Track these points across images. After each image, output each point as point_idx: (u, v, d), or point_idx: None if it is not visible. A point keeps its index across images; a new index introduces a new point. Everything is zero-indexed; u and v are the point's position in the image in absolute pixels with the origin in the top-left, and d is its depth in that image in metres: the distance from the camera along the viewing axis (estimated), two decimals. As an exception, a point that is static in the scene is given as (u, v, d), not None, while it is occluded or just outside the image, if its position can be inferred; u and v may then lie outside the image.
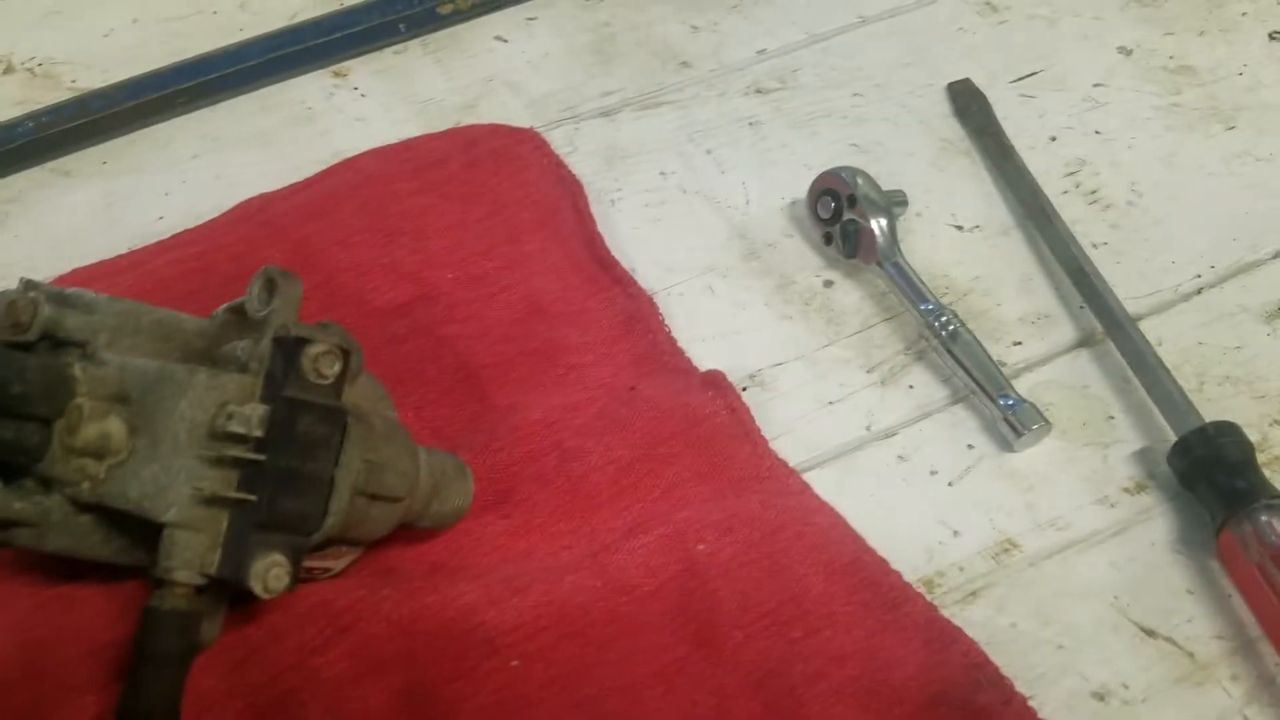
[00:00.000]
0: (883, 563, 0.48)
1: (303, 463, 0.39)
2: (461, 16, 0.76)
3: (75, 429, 0.38)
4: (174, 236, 0.61)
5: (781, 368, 0.57)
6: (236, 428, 0.37)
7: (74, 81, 0.71)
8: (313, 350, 0.39)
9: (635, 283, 0.60)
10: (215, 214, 0.63)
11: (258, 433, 0.38)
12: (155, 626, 0.37)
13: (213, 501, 0.38)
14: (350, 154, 0.66)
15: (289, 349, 0.39)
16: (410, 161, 0.66)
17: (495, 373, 0.55)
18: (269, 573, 0.38)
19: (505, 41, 0.75)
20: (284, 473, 0.38)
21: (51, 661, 0.44)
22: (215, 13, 0.76)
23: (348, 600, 0.44)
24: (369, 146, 0.67)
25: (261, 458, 0.38)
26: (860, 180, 0.60)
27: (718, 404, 0.52)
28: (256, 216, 0.62)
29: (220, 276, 0.59)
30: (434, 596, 0.44)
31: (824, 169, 0.63)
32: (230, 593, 0.41)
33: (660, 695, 0.43)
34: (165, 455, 0.38)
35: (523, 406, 0.53)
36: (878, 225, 0.59)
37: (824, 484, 0.51)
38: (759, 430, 0.53)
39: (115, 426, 0.38)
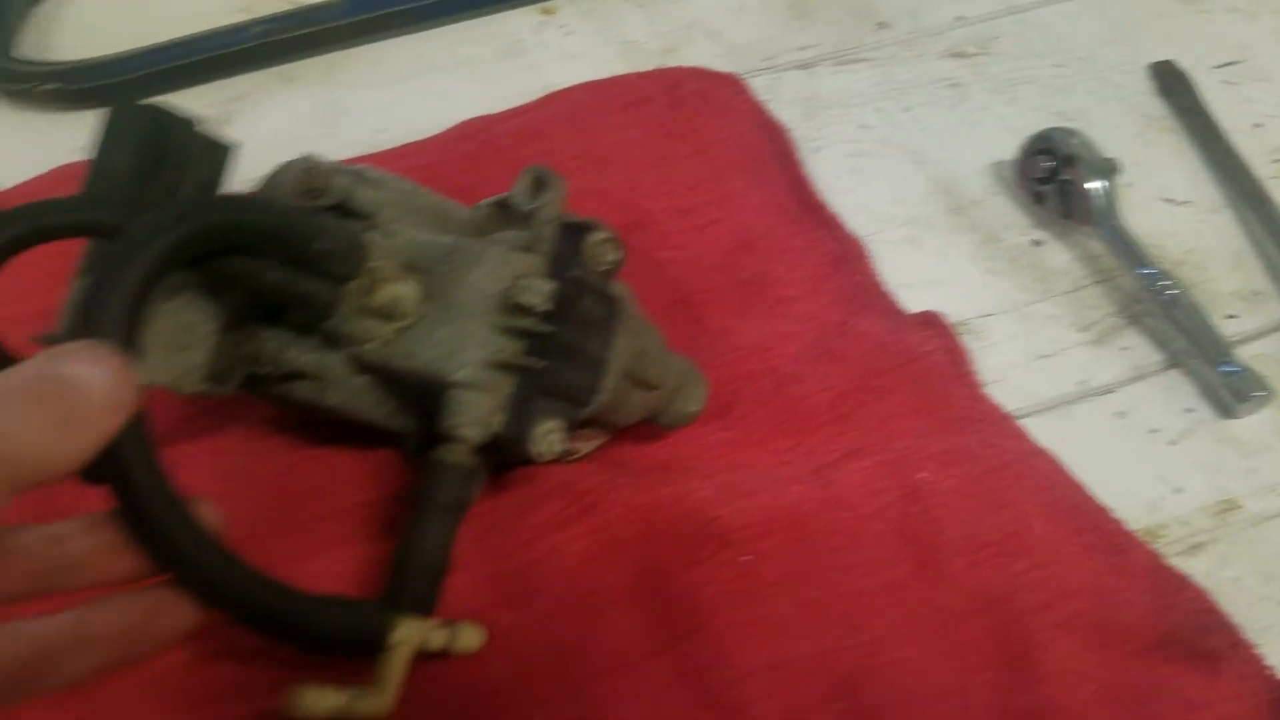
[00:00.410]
0: (1103, 509, 0.48)
1: (582, 340, 0.40)
2: (667, -37, 0.77)
3: (372, 289, 0.40)
4: (401, 147, 0.63)
5: (991, 319, 0.57)
6: (528, 300, 0.39)
7: (297, -5, 0.74)
8: (596, 236, 0.41)
9: (842, 226, 0.61)
10: (433, 131, 0.65)
11: (546, 307, 0.39)
12: (441, 477, 0.39)
13: (501, 366, 0.39)
14: (557, 87, 0.68)
15: (574, 233, 0.41)
16: (618, 97, 0.67)
17: (707, 298, 0.56)
18: (548, 436, 0.39)
19: (706, -9, 0.77)
20: (566, 346, 0.40)
21: (306, 516, 0.46)
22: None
23: (590, 483, 0.45)
24: (575, 81, 0.68)
25: (549, 329, 0.39)
26: (1079, 142, 0.60)
27: (934, 344, 0.53)
28: (478, 136, 0.64)
29: (444, 187, 0.60)
30: (669, 489, 0.46)
31: (1027, 132, 0.64)
32: (495, 459, 0.42)
33: (885, 606, 0.44)
34: (457, 320, 0.40)
35: (737, 331, 0.54)
36: (1097, 187, 0.59)
37: (1038, 433, 0.51)
38: (974, 373, 0.53)
39: (409, 291, 0.40)
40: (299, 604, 0.36)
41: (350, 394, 0.42)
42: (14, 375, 0.27)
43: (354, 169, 0.43)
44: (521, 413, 0.39)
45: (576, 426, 0.42)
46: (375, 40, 0.71)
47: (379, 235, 0.41)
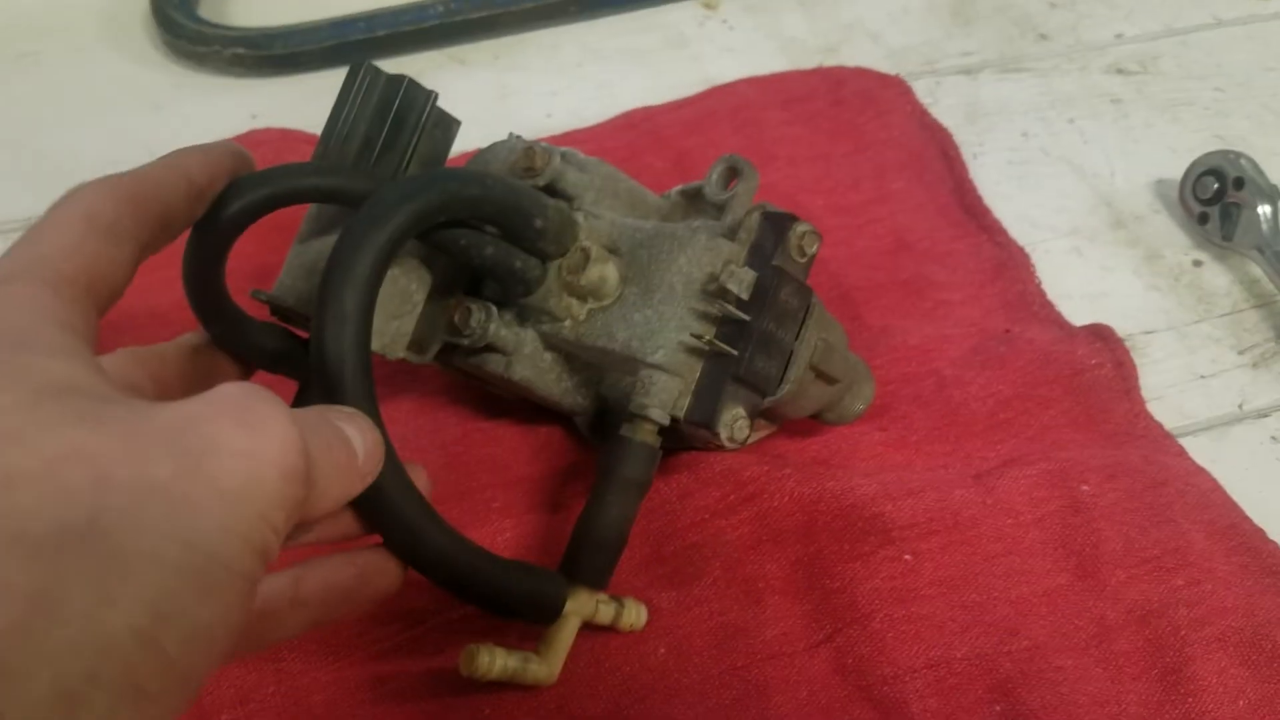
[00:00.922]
0: (1260, 531, 0.48)
1: (775, 329, 0.41)
2: (829, -36, 0.78)
3: (579, 269, 0.41)
4: (565, 133, 0.65)
5: (1151, 336, 0.57)
6: (732, 286, 0.40)
7: (468, -23, 0.76)
8: (800, 228, 0.42)
9: (1005, 232, 0.61)
10: (598, 119, 0.66)
11: (745, 295, 0.40)
12: (628, 454, 0.40)
13: (695, 351, 0.40)
14: (719, 81, 0.69)
15: (779, 224, 0.42)
16: (782, 93, 0.68)
17: (867, 295, 0.57)
18: (735, 423, 0.40)
19: (866, -8, 0.77)
20: (762, 334, 0.41)
21: (474, 484, 0.48)
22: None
23: (752, 472, 0.46)
24: (735, 76, 0.70)
25: (747, 317, 0.40)
26: (1248, 164, 0.60)
27: (1104, 356, 0.53)
28: (641, 126, 0.65)
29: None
30: (832, 483, 0.46)
31: (1189, 153, 0.63)
32: (666, 444, 0.43)
33: (1044, 614, 0.44)
34: (659, 303, 0.41)
35: (898, 330, 0.55)
36: (1264, 211, 0.58)
37: (1194, 453, 0.51)
38: (1140, 390, 0.53)
39: (612, 272, 0.42)
40: (488, 566, 0.37)
41: (536, 370, 0.44)
42: (310, 410, 0.28)
43: (564, 151, 0.45)
44: (710, 398, 0.40)
45: (756, 415, 0.43)
46: (545, 27, 0.72)
47: (583, 215, 0.43)
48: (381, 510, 0.34)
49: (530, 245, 0.41)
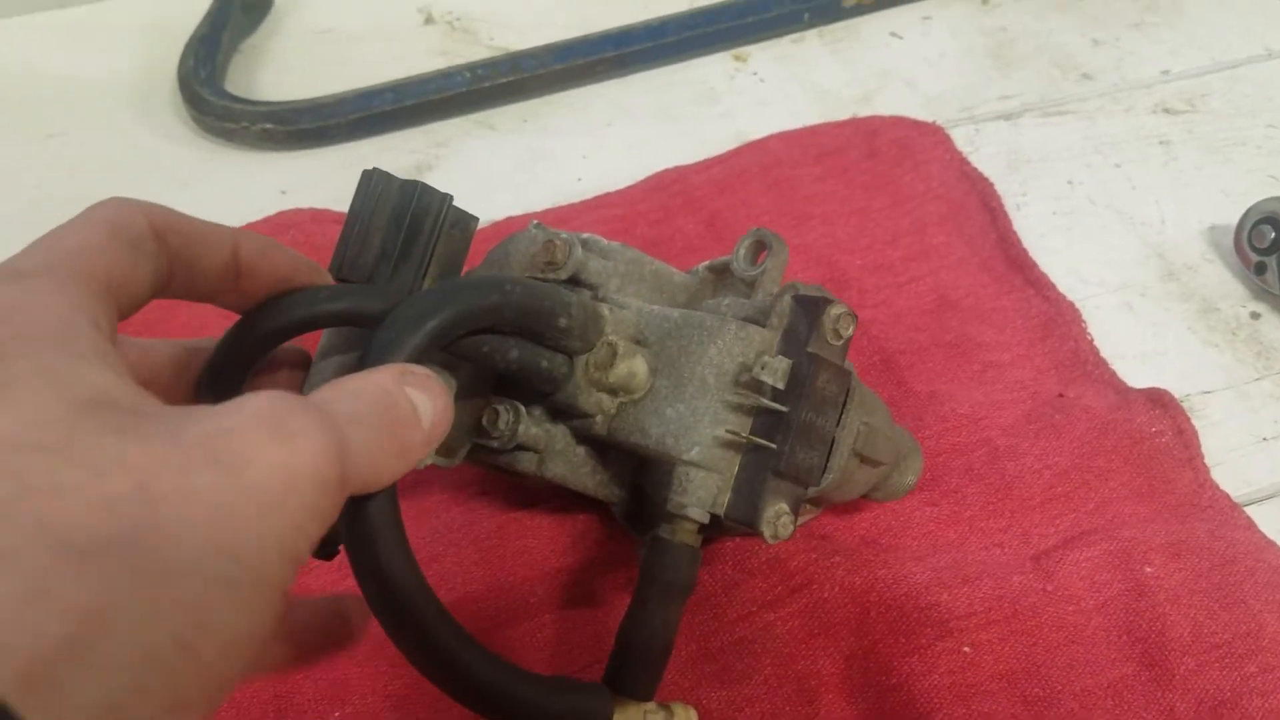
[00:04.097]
0: (1339, 610, 0.46)
1: (814, 417, 0.40)
2: (861, 10, 0.76)
3: (608, 365, 0.39)
4: (595, 198, 0.64)
5: (1210, 396, 0.55)
6: (766, 377, 0.38)
7: (491, 39, 0.76)
8: (835, 310, 0.40)
9: (1053, 286, 0.59)
10: (628, 180, 0.65)
11: (781, 384, 0.38)
12: (667, 557, 0.39)
13: (732, 445, 0.39)
14: (752, 136, 0.68)
15: (812, 308, 0.40)
16: (814, 147, 0.67)
17: (911, 359, 0.55)
18: (779, 519, 0.39)
19: (900, 38, 0.76)
20: (801, 425, 0.39)
21: (512, 579, 0.47)
22: (619, -13, 0.79)
23: (800, 561, 0.45)
24: (769, 130, 0.68)
25: (784, 409, 0.39)
26: (1308, 213, 0.57)
27: (1164, 424, 0.51)
28: (672, 187, 0.64)
29: (639, 240, 0.61)
30: (884, 571, 0.45)
31: (1242, 196, 0.61)
32: (706, 533, 0.42)
33: (1110, 707, 0.43)
34: (691, 397, 0.39)
35: (945, 397, 0.53)
36: (1326, 261, 0.56)
37: (1259, 522, 0.49)
38: (1204, 457, 0.51)
39: (642, 366, 0.40)
40: (527, 689, 0.35)
41: (569, 465, 0.43)
42: (368, 391, 0.27)
43: (584, 238, 0.44)
44: (750, 493, 0.39)
45: (801, 504, 0.42)
46: (572, 88, 0.71)
47: (607, 308, 0.42)
48: (410, 635, 0.33)
49: (555, 343, 0.40)
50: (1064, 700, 0.43)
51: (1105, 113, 0.70)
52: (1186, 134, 0.69)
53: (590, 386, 0.40)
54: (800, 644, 0.44)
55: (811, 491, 0.41)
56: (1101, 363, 0.55)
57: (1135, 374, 0.55)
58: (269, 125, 0.66)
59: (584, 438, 0.42)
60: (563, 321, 0.39)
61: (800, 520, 0.46)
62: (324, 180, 0.66)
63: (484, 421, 0.41)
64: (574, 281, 0.42)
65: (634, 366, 0.40)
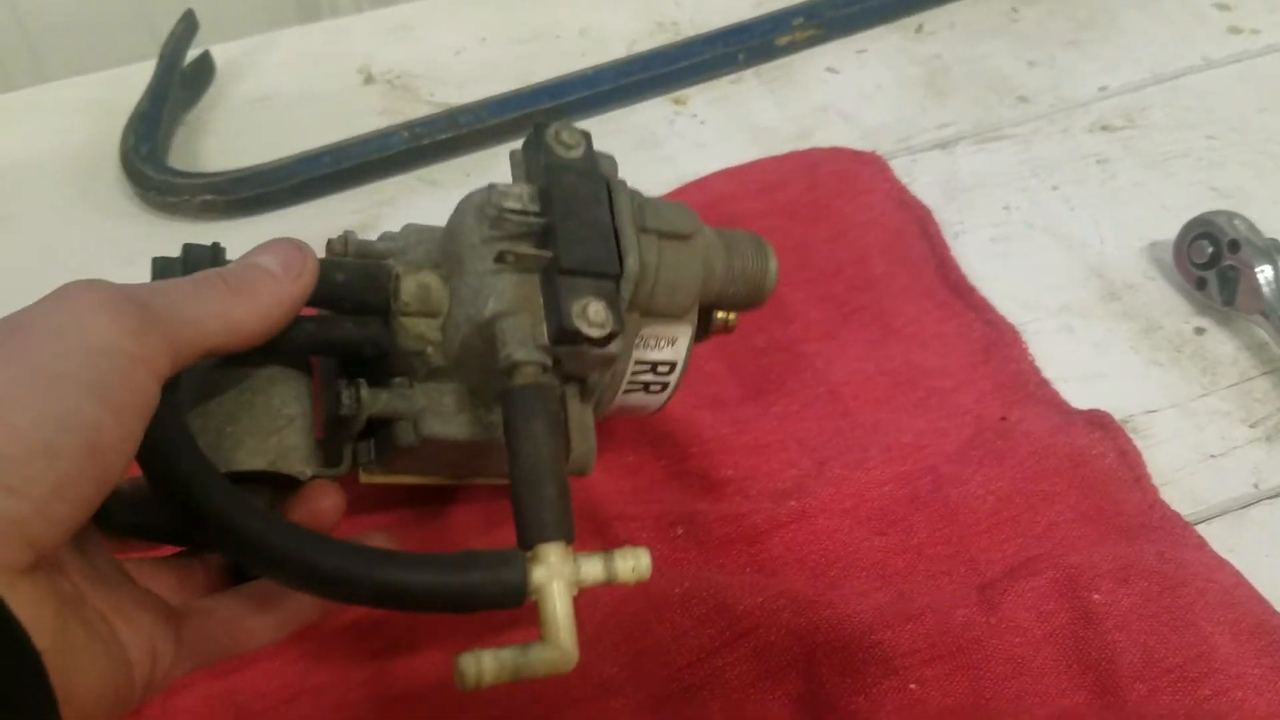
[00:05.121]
0: (1290, 626, 0.45)
1: (579, 214, 0.40)
2: (795, 47, 0.77)
3: (398, 291, 0.40)
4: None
5: (1155, 415, 0.55)
6: (512, 204, 0.39)
7: (431, 95, 0.76)
8: (553, 127, 0.41)
9: (993, 309, 0.59)
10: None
11: (532, 206, 0.39)
12: (519, 399, 0.37)
13: (526, 284, 0.39)
14: (694, 177, 0.68)
15: (534, 138, 0.42)
16: (756, 181, 0.67)
17: (855, 389, 0.55)
18: (587, 309, 0.38)
19: (836, 73, 0.76)
20: (565, 226, 0.39)
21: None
22: (558, 37, 0.80)
23: (746, 605, 0.45)
24: (711, 170, 0.69)
25: (542, 221, 0.39)
26: (1243, 225, 0.58)
27: (1106, 446, 0.51)
28: (618, 229, 0.64)
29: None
30: (829, 611, 0.45)
31: (1183, 211, 0.61)
32: (592, 400, 0.42)
33: (1062, 738, 0.42)
34: (469, 265, 0.40)
35: (890, 426, 0.53)
36: (1264, 274, 0.56)
37: (1210, 540, 0.49)
38: (1149, 477, 0.51)
39: (432, 279, 0.40)
40: (428, 571, 0.34)
41: (443, 419, 0.41)
42: (212, 269, 0.35)
43: (381, 235, 0.45)
44: (554, 307, 0.38)
45: (639, 308, 0.41)
46: (513, 140, 0.72)
47: (392, 259, 0.42)
48: (262, 554, 0.33)
49: (354, 306, 0.41)
50: (1014, 733, 0.42)
51: (1042, 135, 0.70)
52: (1125, 150, 0.69)
53: (404, 324, 0.41)
54: (749, 688, 0.43)
55: (626, 283, 0.40)
56: (1044, 383, 0.55)
57: (1079, 396, 0.55)
58: (209, 196, 0.66)
59: (432, 375, 0.42)
60: (340, 276, 0.40)
61: (680, 351, 0.45)
62: (267, 247, 0.66)
63: (330, 408, 0.41)
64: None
65: (421, 279, 0.41)
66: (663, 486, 0.51)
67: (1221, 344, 0.58)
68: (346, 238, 0.44)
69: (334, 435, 0.42)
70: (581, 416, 0.43)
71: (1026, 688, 0.43)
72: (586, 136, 0.42)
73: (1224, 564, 0.48)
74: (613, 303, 0.39)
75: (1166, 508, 0.50)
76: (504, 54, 0.79)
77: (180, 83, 0.72)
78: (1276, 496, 0.51)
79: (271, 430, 0.40)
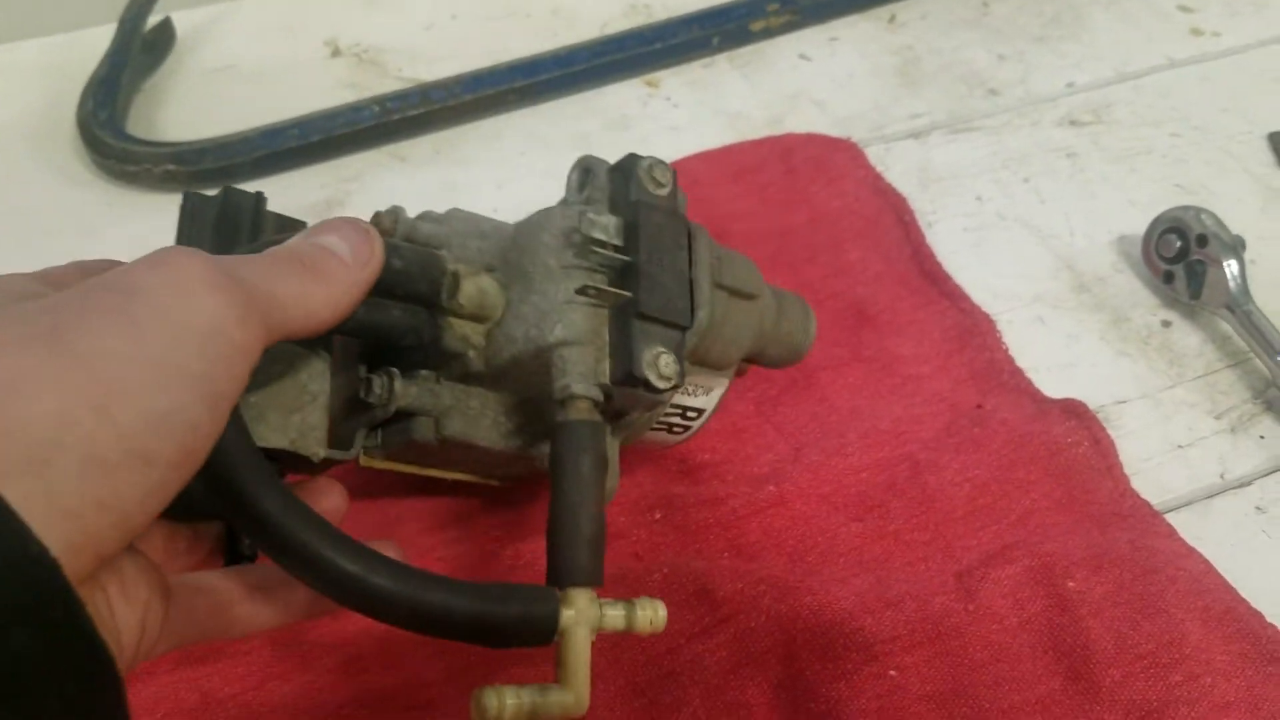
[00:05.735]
0: (1258, 614, 0.46)
1: (662, 258, 0.39)
2: (769, 33, 0.77)
3: (455, 290, 0.39)
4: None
5: (1124, 406, 0.55)
6: (597, 233, 0.38)
7: (400, 70, 0.75)
8: (646, 161, 0.41)
9: (968, 298, 0.59)
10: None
11: (617, 240, 0.39)
12: (570, 436, 0.37)
13: (596, 315, 0.39)
14: (667, 160, 0.68)
15: (624, 167, 0.41)
16: (731, 165, 0.67)
17: (831, 375, 0.55)
18: (659, 361, 0.38)
19: (809, 60, 0.76)
20: (648, 269, 0.39)
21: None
22: (529, 15, 0.79)
23: (726, 591, 0.44)
24: (683, 154, 0.68)
25: (625, 259, 0.39)
26: (1210, 220, 0.59)
27: (1080, 434, 0.51)
28: (590, 211, 0.64)
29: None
30: (810, 598, 0.44)
31: (1149, 205, 0.62)
32: (624, 431, 0.42)
33: (1039, 723, 0.43)
34: (541, 284, 0.39)
35: (867, 412, 0.53)
36: (1230, 268, 0.57)
37: (1180, 529, 0.50)
38: (1122, 466, 0.51)
39: (490, 284, 0.40)
40: (469, 598, 0.33)
41: (466, 420, 0.41)
42: (281, 246, 0.33)
43: (422, 213, 0.43)
44: (624, 349, 0.38)
45: (689, 357, 0.41)
46: (484, 117, 0.71)
47: (445, 251, 0.41)
48: (309, 563, 0.31)
49: (402, 293, 0.39)
50: (993, 717, 0.42)
51: (1012, 127, 0.71)
52: (1092, 145, 0.70)
53: (451, 322, 0.40)
54: (729, 674, 0.43)
55: (692, 337, 0.40)
56: (1018, 372, 0.56)
57: (1051, 385, 0.55)
58: (171, 166, 0.65)
59: (466, 380, 0.41)
60: (397, 263, 0.38)
61: (712, 399, 0.45)
62: (231, 220, 0.64)
63: (360, 394, 0.40)
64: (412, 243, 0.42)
65: (481, 284, 0.40)
66: (640, 469, 0.51)
67: (1188, 336, 0.59)
68: (396, 215, 0.41)
69: (349, 419, 0.40)
70: (611, 449, 0.42)
71: (1004, 674, 0.44)
72: (674, 174, 0.42)
73: (1193, 552, 0.48)
74: (679, 354, 0.39)
75: (1137, 496, 0.50)
76: (475, 31, 0.78)
77: (140, 48, 0.70)
78: (1241, 487, 0.52)
79: (295, 407, 0.38)
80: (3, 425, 0.23)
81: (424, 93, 0.68)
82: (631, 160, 0.41)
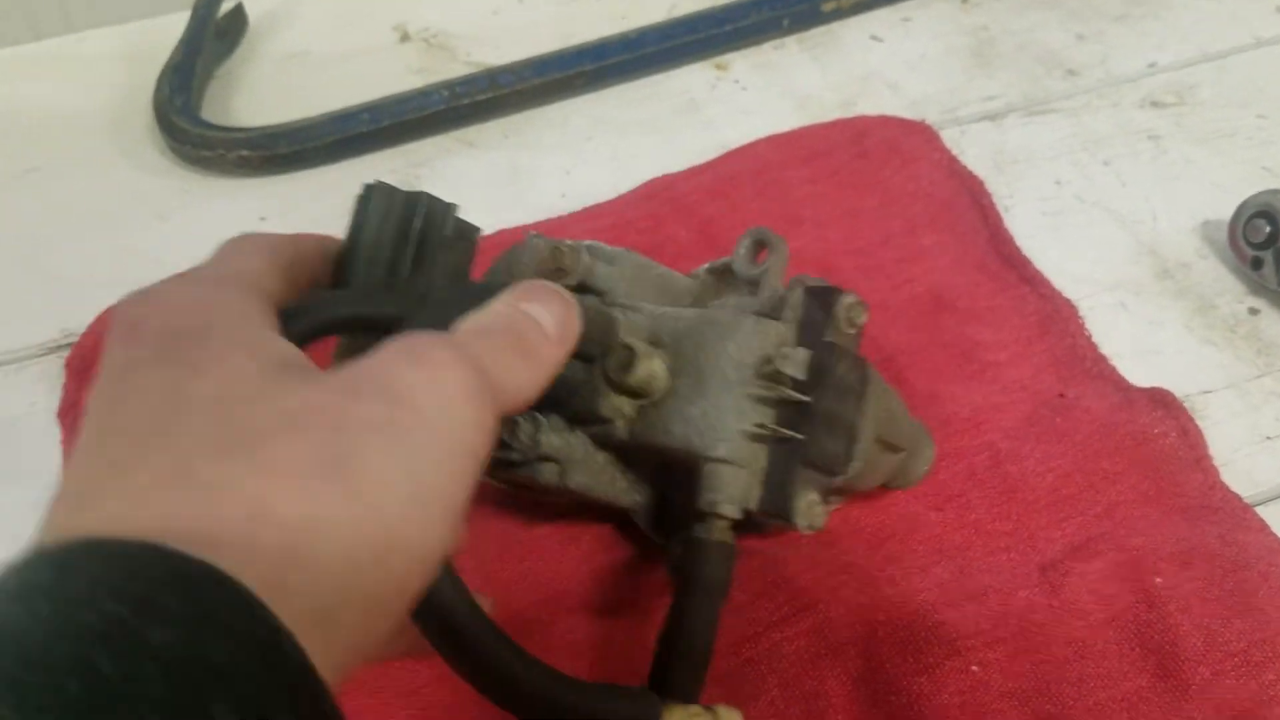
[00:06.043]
0: (1356, 611, 0.45)
1: (836, 406, 0.39)
2: (840, 14, 0.75)
3: (627, 367, 0.39)
4: (585, 209, 0.63)
5: (1210, 396, 0.54)
6: (788, 369, 0.38)
7: (469, 55, 0.75)
8: (847, 300, 0.40)
9: (1049, 283, 0.58)
10: (612, 192, 0.64)
11: (803, 375, 0.38)
12: (704, 556, 0.38)
13: (758, 439, 0.39)
14: (735, 144, 0.67)
15: (825, 298, 0.40)
16: (802, 149, 0.66)
17: (910, 360, 0.55)
18: (812, 510, 0.38)
19: (880, 41, 0.75)
20: (824, 414, 0.39)
21: (524, 604, 0.46)
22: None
23: (806, 580, 0.44)
24: (753, 138, 0.67)
25: (806, 399, 0.38)
26: (1302, 204, 0.57)
27: (1168, 425, 0.50)
28: (662, 194, 0.63)
29: (629, 246, 0.60)
30: (890, 589, 0.44)
31: (1235, 189, 0.60)
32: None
33: (1126, 720, 0.42)
34: (713, 394, 0.39)
35: (946, 398, 0.52)
36: (1323, 254, 0.55)
37: (1271, 523, 0.48)
38: (1211, 458, 0.50)
39: (660, 367, 0.39)
40: (575, 694, 0.34)
41: (591, 474, 0.42)
42: (486, 317, 0.31)
43: (588, 245, 0.43)
44: (779, 485, 0.38)
45: (829, 495, 0.41)
46: (556, 101, 0.70)
47: (619, 311, 0.41)
48: (453, 642, 0.32)
49: (577, 353, 0.39)
50: (1077, 716, 0.42)
51: (1091, 109, 0.69)
52: (1175, 127, 0.68)
53: (609, 391, 0.40)
54: (807, 665, 0.43)
55: (839, 480, 0.40)
56: (1101, 359, 0.54)
57: (1133, 374, 0.54)
58: (245, 152, 0.65)
59: (604, 444, 0.42)
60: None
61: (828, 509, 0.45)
62: (301, 205, 0.65)
63: (503, 435, 0.40)
64: (582, 288, 0.42)
65: (653, 368, 0.39)
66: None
67: (1276, 324, 0.57)
68: (578, 254, 0.41)
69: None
70: None
71: (1089, 671, 0.43)
72: (868, 315, 0.41)
73: (1285, 546, 0.47)
74: (826, 497, 0.39)
75: (1227, 489, 0.49)
76: (542, 15, 0.77)
77: (214, 35, 0.71)
78: (1334, 481, 0.51)
79: None
80: (296, 578, 0.22)
81: (492, 77, 0.68)
82: (833, 296, 0.40)
